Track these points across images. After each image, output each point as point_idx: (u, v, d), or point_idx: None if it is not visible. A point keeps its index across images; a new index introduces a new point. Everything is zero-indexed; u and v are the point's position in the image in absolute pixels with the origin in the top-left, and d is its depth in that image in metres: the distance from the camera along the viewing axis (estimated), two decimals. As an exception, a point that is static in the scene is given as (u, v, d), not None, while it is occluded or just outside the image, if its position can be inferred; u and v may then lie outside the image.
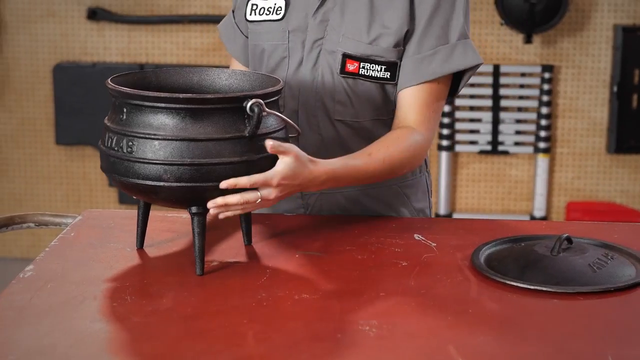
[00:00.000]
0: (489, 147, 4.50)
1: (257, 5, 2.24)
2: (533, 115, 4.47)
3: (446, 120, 4.46)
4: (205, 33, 4.44)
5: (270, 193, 1.84)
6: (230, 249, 1.98)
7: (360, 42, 2.14)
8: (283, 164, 1.84)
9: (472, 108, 4.48)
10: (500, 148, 4.50)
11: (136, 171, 1.80)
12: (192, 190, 1.79)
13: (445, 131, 4.47)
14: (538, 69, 4.42)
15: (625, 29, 4.36)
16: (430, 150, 4.48)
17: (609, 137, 4.45)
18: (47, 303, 1.70)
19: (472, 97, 4.47)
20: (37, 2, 4.47)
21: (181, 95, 1.79)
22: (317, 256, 1.93)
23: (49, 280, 1.80)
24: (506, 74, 4.44)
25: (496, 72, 4.43)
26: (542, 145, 4.47)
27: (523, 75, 4.45)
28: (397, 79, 2.17)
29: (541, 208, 4.52)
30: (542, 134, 4.46)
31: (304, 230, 2.09)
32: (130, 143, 1.80)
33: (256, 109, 1.80)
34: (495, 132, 4.48)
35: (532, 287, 1.78)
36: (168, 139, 1.78)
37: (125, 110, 1.82)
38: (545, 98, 4.44)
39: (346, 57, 2.15)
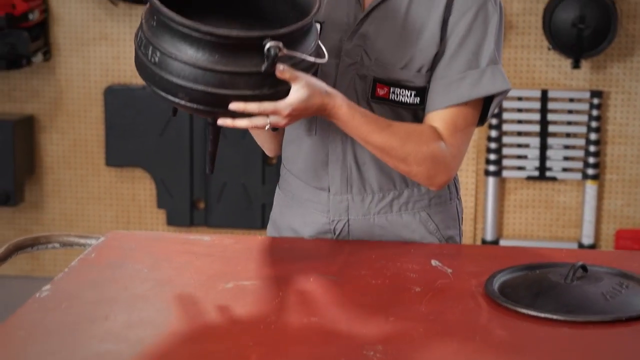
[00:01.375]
0: (536, 173, 4.47)
1: None
2: (582, 142, 4.43)
3: (493, 145, 4.44)
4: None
5: (280, 120, 1.95)
6: (247, 272, 1.99)
7: (390, 67, 2.15)
8: (295, 94, 1.93)
9: (519, 133, 4.46)
10: (548, 174, 4.47)
11: (157, 81, 1.89)
12: (205, 112, 1.91)
13: (492, 156, 4.45)
14: (587, 95, 4.39)
15: (676, 54, 4.31)
16: (477, 176, 4.47)
17: (660, 164, 4.40)
18: (58, 323, 1.73)
19: (519, 122, 4.44)
20: (90, 25, 4.55)
21: (202, 27, 1.83)
22: (331, 280, 1.94)
23: (64, 300, 1.83)
24: (554, 99, 4.41)
25: (544, 97, 4.40)
26: (590, 171, 4.43)
27: (571, 100, 4.41)
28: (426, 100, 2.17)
29: (589, 235, 4.47)
30: (591, 160, 4.42)
31: (323, 255, 2.10)
32: (156, 53, 1.88)
33: (272, 51, 1.84)
34: (543, 157, 4.45)
35: (542, 315, 1.77)
36: (186, 63, 1.85)
37: (155, 18, 1.88)
38: (594, 124, 4.39)
39: (376, 81, 2.16)
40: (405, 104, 2.16)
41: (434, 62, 2.15)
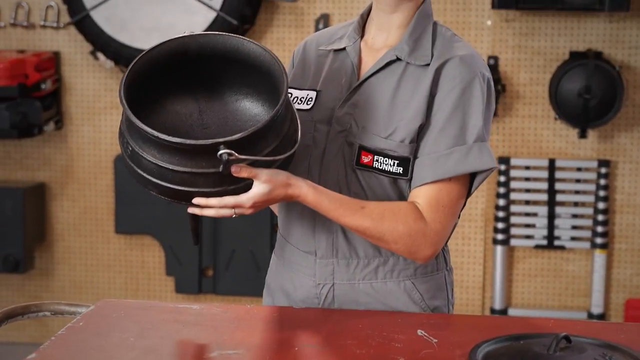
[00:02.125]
0: (545, 242, 4.46)
1: (291, 94, 2.30)
2: (590, 210, 4.43)
3: (501, 214, 4.44)
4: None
5: (244, 211, 2.04)
6: (232, 341, 2.00)
7: (376, 136, 2.19)
8: (256, 189, 2.03)
9: (527, 202, 4.46)
10: (557, 243, 4.46)
11: (132, 171, 2.02)
12: (172, 202, 2.03)
13: (500, 225, 4.45)
14: (594, 164, 4.39)
15: (683, 124, 4.32)
16: (485, 244, 4.47)
17: (668, 233, 4.39)
18: (39, 391, 1.74)
19: (527, 191, 4.45)
20: (101, 95, 4.60)
21: (160, 135, 1.92)
22: (315, 349, 1.94)
23: (47, 368, 1.84)
24: (562, 169, 4.42)
25: (552, 167, 4.41)
26: (599, 240, 4.42)
27: (579, 169, 4.42)
28: (410, 174, 2.19)
29: (599, 305, 4.45)
30: (599, 229, 4.41)
31: (310, 323, 2.10)
32: (128, 147, 2.00)
33: (224, 157, 1.93)
34: (551, 226, 4.45)
35: (524, 386, 1.77)
36: (151, 162, 1.96)
37: (125, 116, 2.01)
38: (602, 193, 4.39)
39: (361, 149, 2.20)
40: (388, 172, 2.19)
41: (418, 135, 2.18)
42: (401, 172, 2.19)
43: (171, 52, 2.10)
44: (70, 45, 4.59)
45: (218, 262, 4.59)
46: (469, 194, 2.22)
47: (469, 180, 2.21)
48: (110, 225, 4.68)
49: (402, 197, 2.21)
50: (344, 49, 2.30)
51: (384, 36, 2.27)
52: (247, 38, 2.14)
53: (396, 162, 2.18)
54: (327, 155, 2.23)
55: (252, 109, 2.19)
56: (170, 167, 1.95)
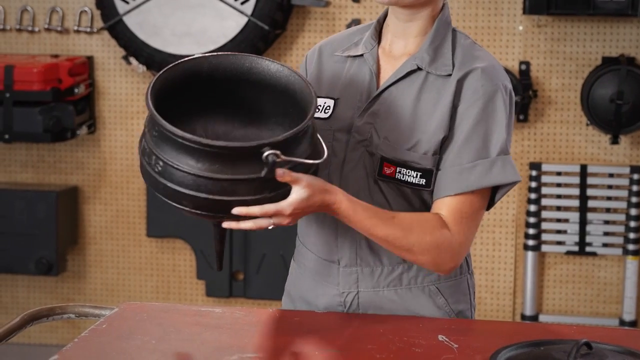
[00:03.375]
0: (576, 248, 4.43)
1: None
2: (622, 217, 4.40)
3: (532, 220, 4.42)
4: (293, 130, 4.53)
5: (283, 220, 2.00)
6: (253, 344, 2.01)
7: (398, 147, 2.19)
8: (295, 194, 1.99)
9: (559, 208, 4.44)
10: (588, 249, 4.43)
11: (161, 189, 1.95)
12: (209, 217, 1.96)
13: (531, 231, 4.43)
14: (627, 170, 4.36)
15: None
16: (516, 250, 4.45)
17: (701, 240, 4.35)
18: (59, 392, 1.76)
19: (559, 197, 4.43)
20: (134, 99, 4.64)
21: (202, 140, 1.88)
22: (336, 354, 1.94)
23: (68, 370, 1.86)
24: (594, 175, 4.39)
25: (583, 173, 4.39)
26: (631, 247, 4.38)
27: (611, 175, 4.39)
28: (433, 186, 2.19)
29: (631, 312, 4.42)
30: (632, 235, 4.38)
31: (332, 328, 2.11)
32: (158, 162, 1.93)
33: (270, 159, 1.90)
34: (582, 232, 4.42)
35: (542, 393, 1.76)
36: (188, 173, 1.89)
37: (156, 129, 1.94)
38: (634, 199, 4.36)
39: (384, 160, 2.19)
40: (411, 184, 2.19)
41: (441, 147, 2.18)
42: (424, 183, 2.18)
43: (188, 71, 2.08)
44: (104, 50, 4.63)
45: (248, 266, 4.60)
46: (491, 205, 2.22)
47: (491, 192, 2.20)
48: (142, 229, 4.70)
49: (426, 207, 2.21)
50: (361, 55, 2.28)
51: (402, 44, 2.26)
52: (264, 57, 2.12)
53: (419, 173, 2.18)
54: (347, 164, 2.22)
55: (268, 127, 2.17)
56: (210, 175, 1.89)
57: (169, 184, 1.93)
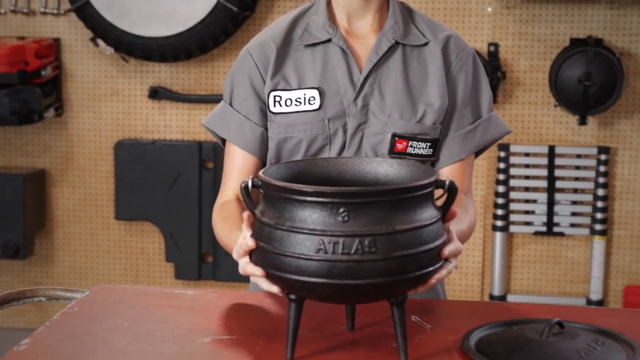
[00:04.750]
0: (544, 229, 4.46)
1: (280, 97, 2.27)
2: (589, 197, 4.43)
3: (501, 200, 4.44)
4: (262, 112, 4.52)
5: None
6: (226, 326, 2.00)
7: (408, 122, 2.24)
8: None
9: (527, 189, 4.46)
10: (556, 229, 4.46)
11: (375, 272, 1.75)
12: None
13: (500, 212, 4.45)
14: (594, 151, 4.39)
15: (683, 111, 4.32)
16: (485, 231, 4.47)
17: (668, 220, 4.39)
18: (32, 375, 1.75)
19: (527, 177, 4.45)
20: (102, 82, 4.61)
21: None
22: (310, 336, 1.94)
23: (41, 354, 1.84)
24: (561, 155, 4.42)
25: (551, 153, 4.41)
26: (598, 227, 4.42)
27: (579, 156, 4.42)
28: (439, 155, 2.27)
29: (597, 291, 4.45)
30: (599, 216, 4.41)
31: (305, 310, 2.09)
32: (368, 242, 1.74)
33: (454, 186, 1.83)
34: (550, 213, 4.45)
35: (515, 372, 1.77)
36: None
37: (346, 210, 1.75)
38: (601, 180, 4.40)
39: (396, 136, 2.23)
40: (421, 155, 2.25)
41: (445, 114, 2.26)
42: (431, 153, 2.26)
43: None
44: (71, 32, 4.60)
45: (218, 249, 4.59)
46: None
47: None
48: (110, 212, 4.68)
49: None
50: (328, 41, 2.28)
51: (363, 22, 2.28)
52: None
53: (428, 144, 2.25)
54: (349, 150, 2.24)
55: None
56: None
57: None
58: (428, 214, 1.80)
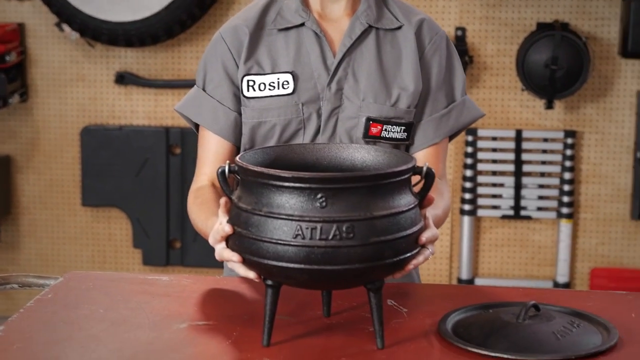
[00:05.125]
0: (511, 212, 4.49)
1: (254, 81, 2.26)
2: (556, 181, 4.46)
3: (468, 184, 4.46)
4: (229, 97, 4.50)
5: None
6: (202, 312, 2.00)
7: (383, 106, 2.23)
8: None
9: (494, 173, 4.48)
10: (523, 213, 4.48)
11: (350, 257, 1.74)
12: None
13: (467, 195, 4.47)
14: (561, 135, 4.41)
15: (648, 94, 4.35)
16: (452, 215, 4.48)
17: (633, 203, 4.42)
18: (8, 363, 1.74)
19: (494, 161, 4.47)
20: (67, 67, 4.57)
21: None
22: (286, 321, 1.94)
23: (16, 342, 1.83)
24: (528, 139, 4.44)
25: (518, 137, 4.43)
26: (565, 210, 4.45)
27: (545, 140, 4.44)
28: (413, 139, 2.27)
29: (564, 274, 4.49)
30: (565, 199, 4.44)
31: (280, 295, 2.10)
32: (346, 228, 1.74)
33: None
34: (517, 197, 4.47)
35: (493, 355, 1.78)
36: None
37: (324, 195, 1.74)
38: (568, 163, 4.42)
39: (370, 120, 2.23)
40: (395, 139, 2.25)
41: (419, 98, 2.26)
42: (405, 137, 2.26)
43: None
44: (35, 17, 4.55)
45: (186, 235, 4.58)
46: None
47: None
48: (77, 198, 4.65)
49: None
50: (301, 25, 2.27)
51: (337, 6, 2.28)
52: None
53: (402, 128, 2.25)
54: (323, 134, 2.23)
55: None
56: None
57: None
58: (405, 200, 1.80)
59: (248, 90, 2.25)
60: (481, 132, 4.44)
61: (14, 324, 1.91)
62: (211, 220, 2.01)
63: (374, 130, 2.23)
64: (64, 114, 4.61)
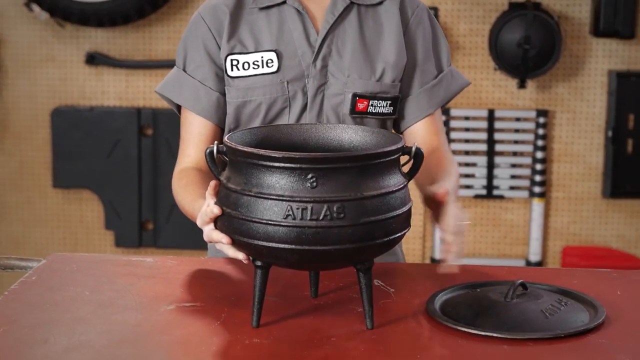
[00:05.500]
0: (484, 192, 4.50)
1: (237, 60, 2.25)
2: (528, 160, 4.47)
3: (441, 164, 4.46)
4: (201, 78, 4.48)
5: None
6: (189, 293, 1.99)
7: (368, 81, 2.24)
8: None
9: (467, 152, 4.49)
10: (496, 192, 4.50)
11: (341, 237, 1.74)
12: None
13: (440, 175, 4.46)
14: (533, 114, 4.43)
15: (619, 74, 4.37)
16: (426, 195, 4.48)
17: (605, 181, 4.45)
18: (-4, 347, 1.72)
19: (467, 141, 4.47)
20: (37, 47, 4.52)
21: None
22: (273, 302, 1.93)
23: (2, 325, 1.81)
24: (501, 119, 4.45)
25: (491, 117, 4.44)
26: (537, 189, 4.47)
27: (518, 120, 4.46)
28: (404, 113, 2.28)
29: (536, 253, 4.51)
30: (537, 178, 4.46)
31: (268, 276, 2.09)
32: (336, 208, 1.73)
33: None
34: (490, 176, 4.49)
35: (483, 334, 1.78)
36: None
37: (314, 175, 1.74)
38: (540, 143, 4.44)
39: (356, 96, 2.23)
40: (381, 114, 2.25)
41: (403, 73, 2.26)
42: (391, 111, 2.26)
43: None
44: (4, -3, 4.50)
45: (158, 216, 4.56)
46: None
47: None
48: (48, 180, 4.61)
49: None
50: (283, 2, 2.26)
51: None
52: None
53: (388, 102, 2.25)
54: (310, 112, 2.23)
55: None
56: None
57: None
58: (395, 180, 1.80)
59: (232, 70, 2.23)
60: (454, 112, 4.45)
61: (0, 306, 1.89)
62: (198, 202, 2.00)
63: (360, 106, 2.23)
64: (34, 95, 4.56)
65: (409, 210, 1.83)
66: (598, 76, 4.42)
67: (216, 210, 1.80)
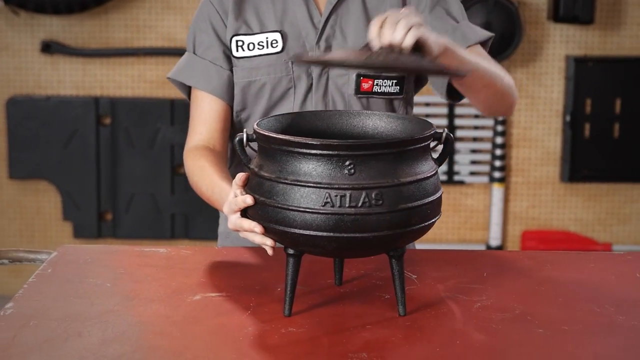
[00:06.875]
0: (444, 177, 4.53)
1: (242, 41, 2.24)
2: (488, 145, 4.51)
3: (402, 150, 4.47)
4: (160, 66, 4.43)
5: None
6: (211, 283, 1.96)
7: None
8: None
9: (427, 138, 4.50)
10: (456, 178, 4.53)
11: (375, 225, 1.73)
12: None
13: (401, 162, 4.48)
14: (492, 100, 4.46)
15: (577, 59, 4.43)
16: (387, 181, 4.50)
17: (563, 166, 4.51)
18: (31, 341, 1.68)
19: (427, 127, 4.49)
20: (-10, 35, 4.43)
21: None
22: (300, 290, 1.91)
23: (31, 318, 1.77)
24: (461, 105, 4.48)
25: (451, 103, 4.46)
26: (497, 174, 4.51)
27: (478, 105, 4.48)
28: (404, 93, 2.25)
29: (497, 237, 4.56)
30: (497, 163, 4.50)
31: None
32: (375, 195, 1.72)
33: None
34: (450, 162, 4.52)
35: (516, 318, 1.79)
36: None
37: (352, 162, 1.73)
38: (499, 128, 4.48)
39: (360, 76, 2.21)
40: (387, 93, 2.22)
41: None
42: (398, 91, 2.23)
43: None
44: (-45, -17, 4.39)
45: (117, 206, 4.50)
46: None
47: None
48: (3, 171, 4.52)
49: None
50: None
51: None
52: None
53: (394, 81, 2.22)
54: (316, 93, 2.21)
55: None
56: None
57: None
58: (428, 166, 1.80)
59: (237, 51, 2.23)
60: (415, 99, 4.45)
61: (22, 300, 1.85)
62: (218, 187, 1.99)
63: (365, 85, 2.21)
64: (-12, 85, 4.46)
65: (441, 196, 1.83)
66: (556, 61, 4.47)
67: (249, 200, 1.78)
